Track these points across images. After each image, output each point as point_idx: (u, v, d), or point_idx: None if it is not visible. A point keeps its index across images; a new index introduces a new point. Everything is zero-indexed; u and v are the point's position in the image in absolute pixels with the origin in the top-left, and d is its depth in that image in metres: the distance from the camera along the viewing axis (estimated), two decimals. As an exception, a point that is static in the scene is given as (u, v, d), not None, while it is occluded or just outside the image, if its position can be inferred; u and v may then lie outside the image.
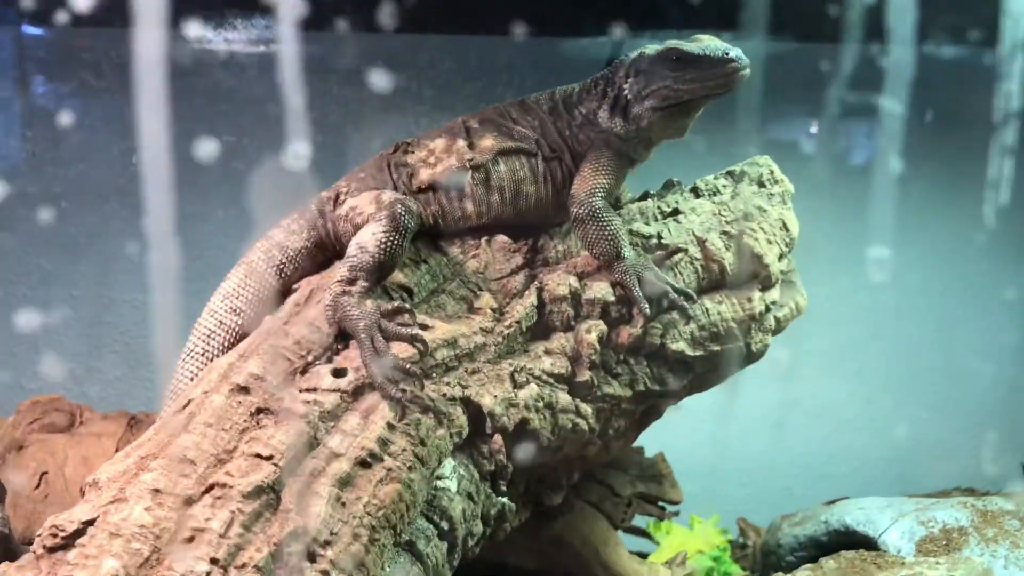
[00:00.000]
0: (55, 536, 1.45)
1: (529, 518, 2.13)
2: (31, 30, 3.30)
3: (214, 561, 1.42)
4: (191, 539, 1.44)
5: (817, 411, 3.48)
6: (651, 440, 2.59)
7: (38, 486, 2.35)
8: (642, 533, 2.92)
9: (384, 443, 1.65)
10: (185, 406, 1.68)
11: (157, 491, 1.50)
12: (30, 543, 2.16)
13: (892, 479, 3.27)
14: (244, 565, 1.43)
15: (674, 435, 2.57)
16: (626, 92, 1.91)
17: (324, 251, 1.99)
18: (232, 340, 1.93)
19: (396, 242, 1.82)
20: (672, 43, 1.88)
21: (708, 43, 1.83)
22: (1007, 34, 2.10)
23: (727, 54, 1.80)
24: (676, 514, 2.72)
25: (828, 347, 3.37)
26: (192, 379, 1.91)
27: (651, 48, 1.90)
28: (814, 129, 3.46)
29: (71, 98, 3.30)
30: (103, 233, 3.27)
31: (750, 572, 2.91)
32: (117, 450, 2.39)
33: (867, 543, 2.56)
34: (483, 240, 2.01)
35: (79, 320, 3.35)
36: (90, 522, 1.46)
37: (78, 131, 3.27)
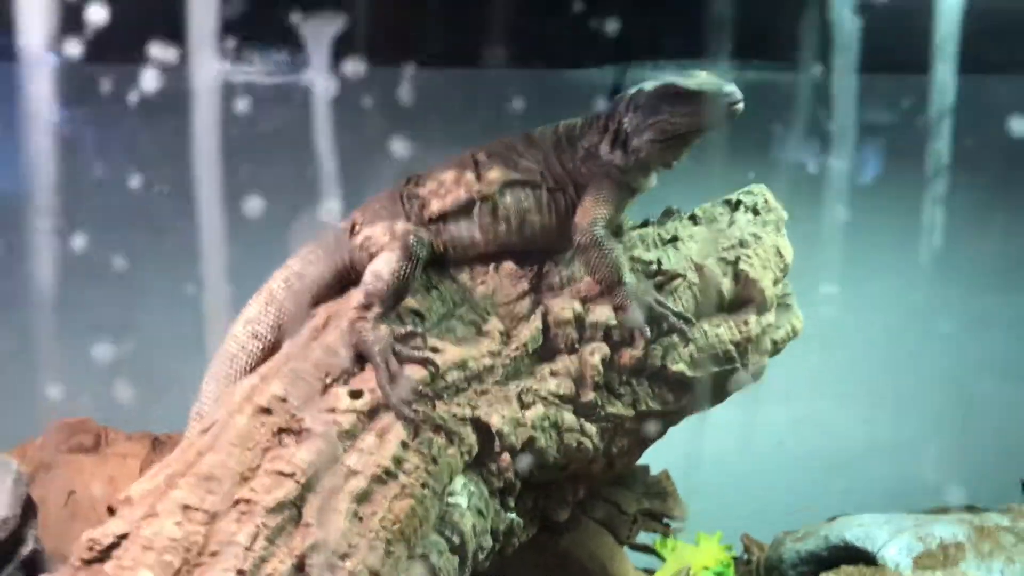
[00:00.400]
0: (91, 549, 1.55)
1: (536, 534, 2.21)
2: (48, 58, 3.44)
3: (240, 573, 1.51)
4: (218, 552, 1.53)
5: (818, 430, 3.56)
6: (655, 459, 2.68)
7: (66, 504, 2.45)
8: (648, 550, 2.99)
9: (398, 461, 1.74)
10: (210, 427, 1.78)
11: (186, 507, 1.59)
12: (60, 560, 2.26)
13: (892, 496, 3.34)
14: (269, 576, 1.53)
15: (677, 454, 2.66)
16: (625, 126, 2.01)
17: (340, 279, 2.09)
18: (253, 364, 2.03)
19: (408, 270, 1.92)
20: (669, 79, 1.99)
21: (704, 79, 1.94)
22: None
23: (722, 90, 1.91)
24: (680, 530, 2.79)
25: (828, 367, 3.44)
26: (216, 401, 2.01)
27: (649, 84, 2.01)
28: (808, 154, 3.56)
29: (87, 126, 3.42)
30: (127, 259, 3.39)
31: (754, 586, 2.98)
32: (141, 470, 2.50)
33: (866, 558, 2.63)
34: (491, 267, 2.11)
35: (102, 345, 3.46)
36: (124, 536, 1.56)
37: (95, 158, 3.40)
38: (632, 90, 2.03)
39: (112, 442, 2.62)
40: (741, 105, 1.92)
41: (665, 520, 2.76)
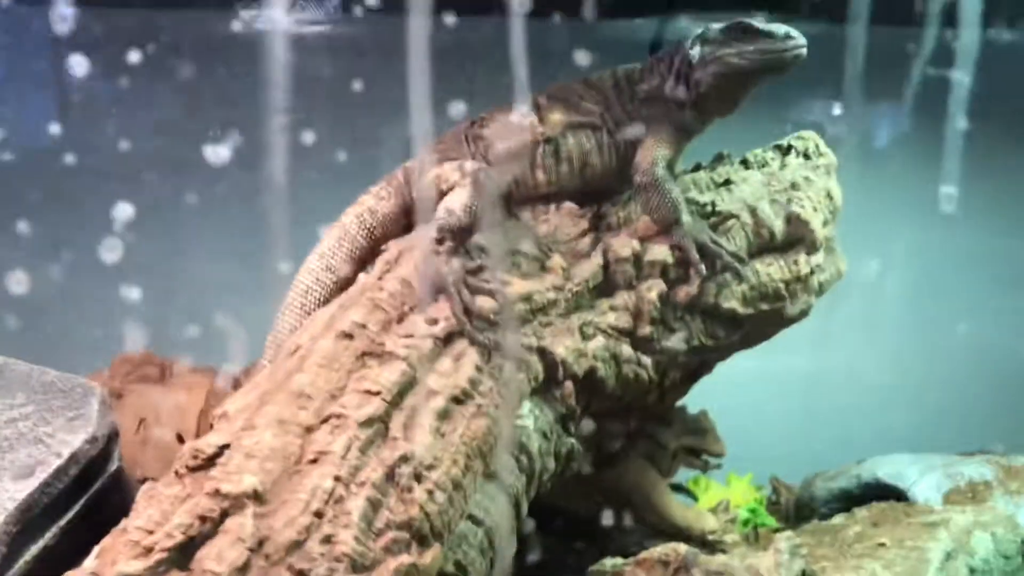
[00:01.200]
0: (196, 458, 1.66)
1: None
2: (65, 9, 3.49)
3: (337, 479, 1.63)
4: (316, 460, 1.65)
5: (846, 377, 3.66)
6: (691, 402, 2.78)
7: (137, 431, 2.57)
8: (681, 489, 3.12)
9: (473, 383, 1.85)
10: (295, 351, 1.88)
11: (282, 421, 1.70)
12: (136, 481, 2.38)
13: (919, 444, 3.45)
14: (363, 482, 1.64)
15: (711, 399, 2.77)
16: (691, 57, 2.08)
17: (408, 216, 2.19)
18: (327, 295, 2.13)
19: (480, 206, 2.02)
20: (739, 19, 2.07)
21: (771, 23, 2.02)
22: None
23: (790, 33, 1.99)
24: (719, 467, 2.91)
25: (859, 316, 3.54)
26: (291, 330, 2.11)
27: (715, 24, 2.09)
28: (837, 111, 3.62)
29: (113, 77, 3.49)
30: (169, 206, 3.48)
31: (784, 524, 3.10)
32: (207, 400, 2.62)
33: (897, 495, 2.74)
34: (552, 207, 2.20)
35: (153, 289, 3.57)
36: (225, 446, 1.67)
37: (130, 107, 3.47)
38: (699, 29, 2.10)
39: (176, 374, 2.74)
40: (804, 51, 2.00)
41: (704, 456, 2.87)
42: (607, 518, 2.60)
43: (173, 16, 3.36)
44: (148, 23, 3.35)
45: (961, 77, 2.39)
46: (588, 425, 2.16)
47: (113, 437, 2.17)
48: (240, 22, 3.19)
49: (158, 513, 1.59)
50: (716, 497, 3.16)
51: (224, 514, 1.56)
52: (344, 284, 2.13)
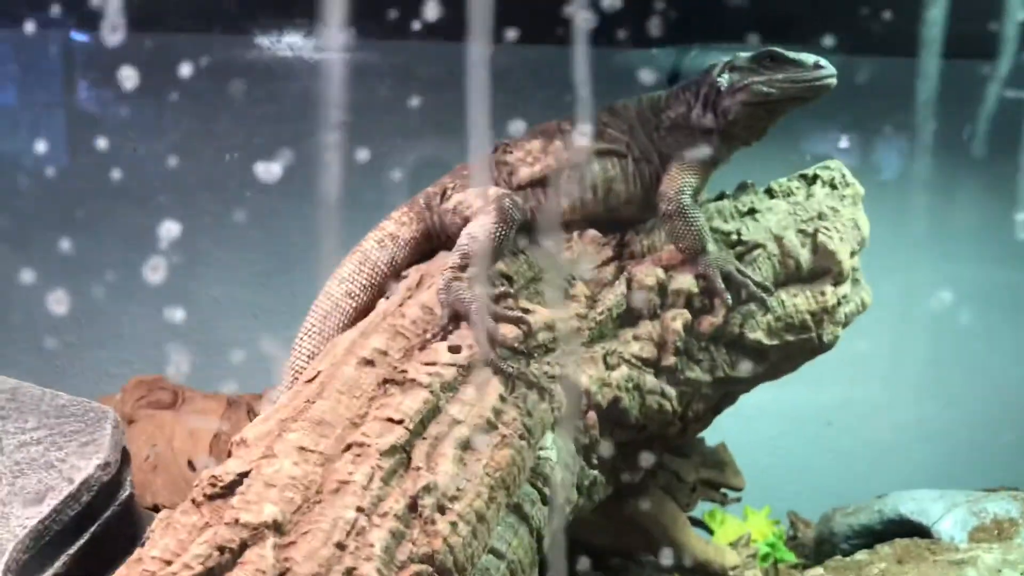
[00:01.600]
0: (214, 486, 1.62)
1: (606, 497, 2.28)
2: (79, 36, 3.51)
3: (360, 509, 1.58)
4: (337, 490, 1.61)
5: (865, 411, 3.61)
6: (708, 435, 2.74)
7: (147, 457, 2.53)
8: (699, 523, 3.06)
9: (497, 413, 1.81)
10: (315, 377, 1.85)
11: (302, 448, 1.66)
12: (145, 508, 2.34)
13: (935, 479, 3.40)
14: (386, 514, 1.59)
15: (728, 431, 2.72)
16: (719, 85, 2.07)
17: (430, 241, 2.16)
18: (347, 321, 2.10)
19: (504, 233, 1.99)
20: (769, 48, 2.05)
21: (800, 53, 2.00)
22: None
23: (819, 63, 1.97)
24: (738, 500, 2.86)
25: (878, 349, 3.50)
26: (309, 356, 2.08)
27: (744, 53, 2.07)
28: (844, 144, 3.61)
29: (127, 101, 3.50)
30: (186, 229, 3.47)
31: (804, 560, 3.04)
32: (219, 427, 2.58)
33: (920, 531, 2.69)
34: (575, 234, 2.18)
35: (160, 312, 3.54)
36: (244, 474, 1.63)
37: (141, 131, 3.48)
38: (726, 57, 2.09)
39: (189, 400, 2.70)
40: (834, 81, 1.98)
41: (722, 490, 2.83)
42: (626, 552, 2.55)
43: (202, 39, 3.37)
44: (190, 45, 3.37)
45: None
46: (610, 456, 2.11)
47: (125, 462, 2.13)
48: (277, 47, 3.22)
49: (175, 543, 1.55)
50: (732, 531, 3.11)
51: (244, 545, 1.52)
52: (364, 310, 2.10)
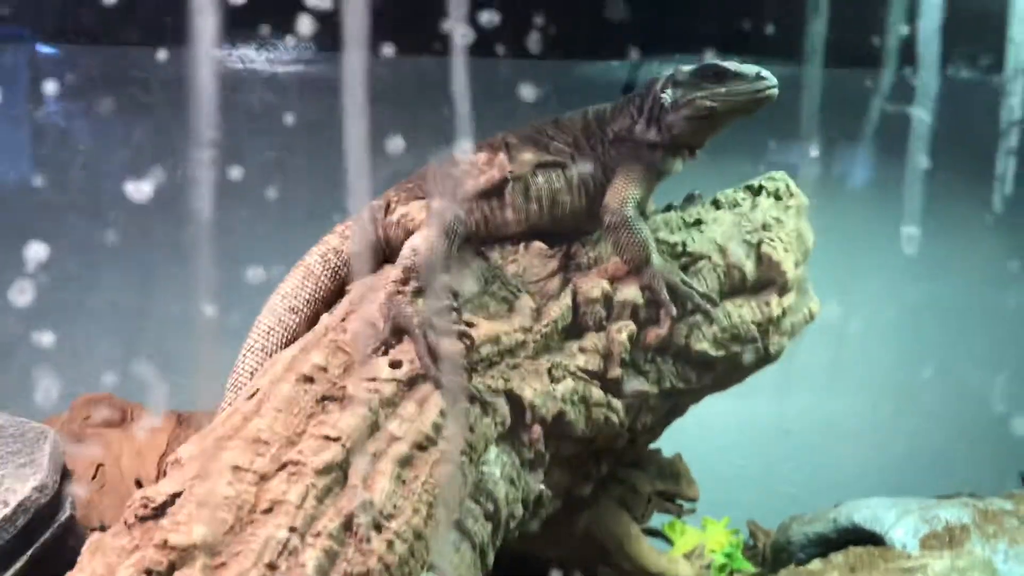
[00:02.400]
0: (145, 507, 1.59)
1: (558, 511, 2.27)
2: (44, 49, 3.48)
3: (292, 529, 1.56)
4: (270, 510, 1.58)
5: (822, 420, 3.63)
6: (666, 446, 2.74)
7: (94, 477, 2.49)
8: (657, 534, 3.06)
9: (438, 428, 1.80)
10: (254, 394, 1.82)
11: (236, 467, 1.64)
12: (91, 529, 2.30)
13: (894, 487, 3.42)
14: (319, 533, 1.57)
15: (686, 441, 2.72)
16: (662, 101, 2.07)
17: (375, 255, 2.15)
18: (290, 337, 2.08)
19: (447, 246, 1.98)
20: (710, 61, 2.06)
21: (743, 64, 2.01)
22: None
23: (760, 74, 1.98)
24: (693, 511, 2.86)
25: (833, 358, 3.52)
26: (252, 373, 2.05)
27: (686, 66, 2.08)
28: (814, 153, 3.62)
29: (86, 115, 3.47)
30: (141, 244, 3.43)
31: (761, 569, 3.04)
32: (168, 445, 2.54)
33: (874, 539, 2.70)
34: (521, 246, 2.17)
35: (119, 328, 3.50)
36: (176, 495, 1.60)
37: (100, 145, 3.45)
38: (669, 70, 2.09)
39: (137, 417, 2.66)
40: (776, 91, 1.99)
41: (678, 501, 2.82)
42: (580, 566, 2.53)
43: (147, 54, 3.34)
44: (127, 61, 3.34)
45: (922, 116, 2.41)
46: (557, 470, 2.10)
47: (65, 484, 2.09)
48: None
49: (103, 567, 1.52)
50: (692, 541, 3.11)
51: (172, 567, 1.49)
52: (307, 324, 2.08)
